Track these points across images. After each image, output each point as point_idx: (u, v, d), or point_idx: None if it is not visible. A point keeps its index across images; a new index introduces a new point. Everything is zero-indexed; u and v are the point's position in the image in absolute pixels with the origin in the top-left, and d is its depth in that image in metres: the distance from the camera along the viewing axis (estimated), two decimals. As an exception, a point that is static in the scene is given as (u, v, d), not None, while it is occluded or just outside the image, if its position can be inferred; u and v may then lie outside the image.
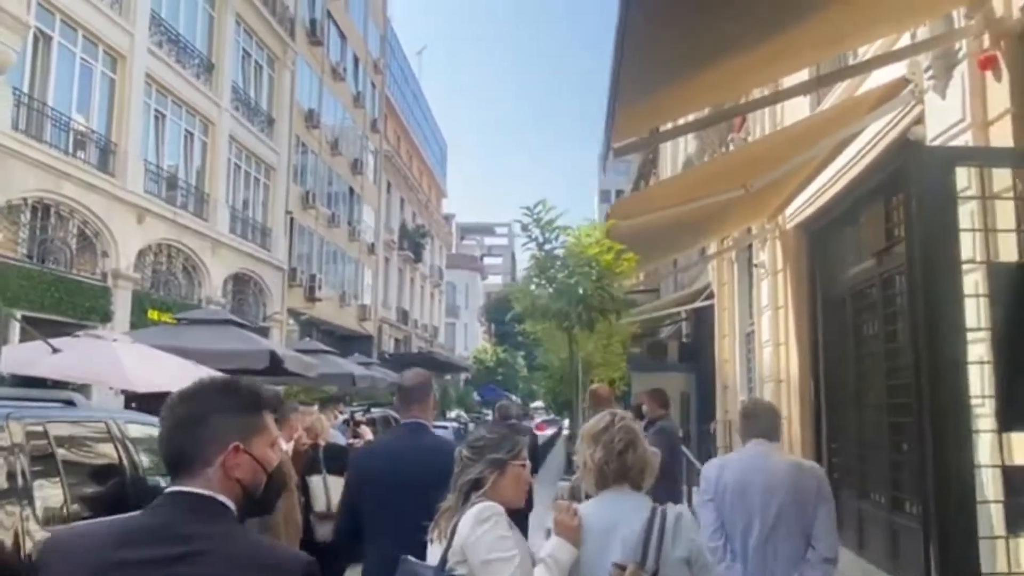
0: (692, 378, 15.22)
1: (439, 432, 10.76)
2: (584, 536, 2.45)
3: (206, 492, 1.50)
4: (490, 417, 17.41)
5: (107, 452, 4.23)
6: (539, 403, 44.04)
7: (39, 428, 3.69)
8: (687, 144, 15.71)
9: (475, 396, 40.27)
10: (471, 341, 61.88)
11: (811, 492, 3.73)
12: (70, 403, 4.30)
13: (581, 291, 5.43)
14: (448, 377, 42.88)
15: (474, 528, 2.37)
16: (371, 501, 3.09)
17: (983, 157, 3.73)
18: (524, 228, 6.32)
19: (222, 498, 1.52)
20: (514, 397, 43.33)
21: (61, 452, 3.80)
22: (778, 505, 3.67)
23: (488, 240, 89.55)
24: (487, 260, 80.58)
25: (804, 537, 3.70)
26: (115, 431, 4.33)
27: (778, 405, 9.13)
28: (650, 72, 3.91)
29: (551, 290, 5.45)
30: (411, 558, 2.46)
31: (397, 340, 38.53)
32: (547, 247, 5.85)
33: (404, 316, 39.91)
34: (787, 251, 8.79)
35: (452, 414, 31.99)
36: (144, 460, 4.45)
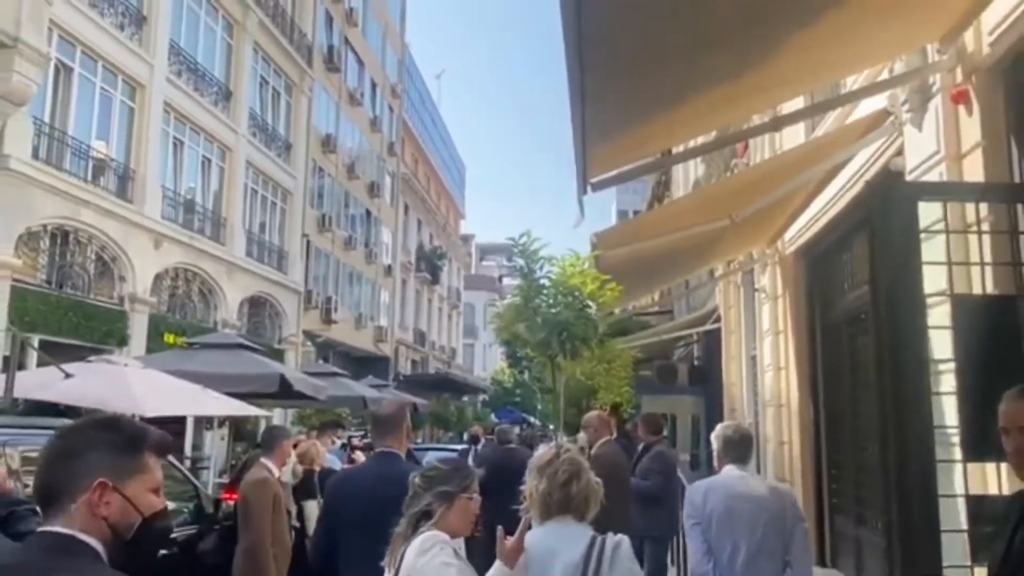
0: (702, 401, 15.20)
1: (451, 455, 10.83)
2: (527, 564, 2.55)
3: (66, 531, 1.48)
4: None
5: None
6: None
7: (36, 455, 3.85)
8: (697, 167, 15.81)
9: (493, 418, 40.24)
10: (490, 362, 61.86)
11: (788, 515, 3.94)
12: (68, 430, 4.45)
13: (563, 320, 5.55)
14: (466, 398, 42.94)
15: (418, 557, 2.49)
16: (344, 527, 3.21)
17: (946, 192, 3.81)
18: (509, 259, 6.50)
19: (84, 537, 1.49)
20: (533, 419, 43.26)
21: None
22: (763, 528, 3.84)
23: (508, 261, 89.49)
24: (507, 280, 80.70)
25: (782, 557, 3.86)
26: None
27: (779, 430, 9.17)
28: (622, 109, 4.04)
29: (539, 320, 5.56)
30: None
31: (414, 361, 38.70)
32: (531, 277, 6.00)
33: (421, 338, 40.10)
34: (786, 276, 8.84)
35: (468, 436, 31.95)
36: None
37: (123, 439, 1.59)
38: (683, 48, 3.78)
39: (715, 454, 4.27)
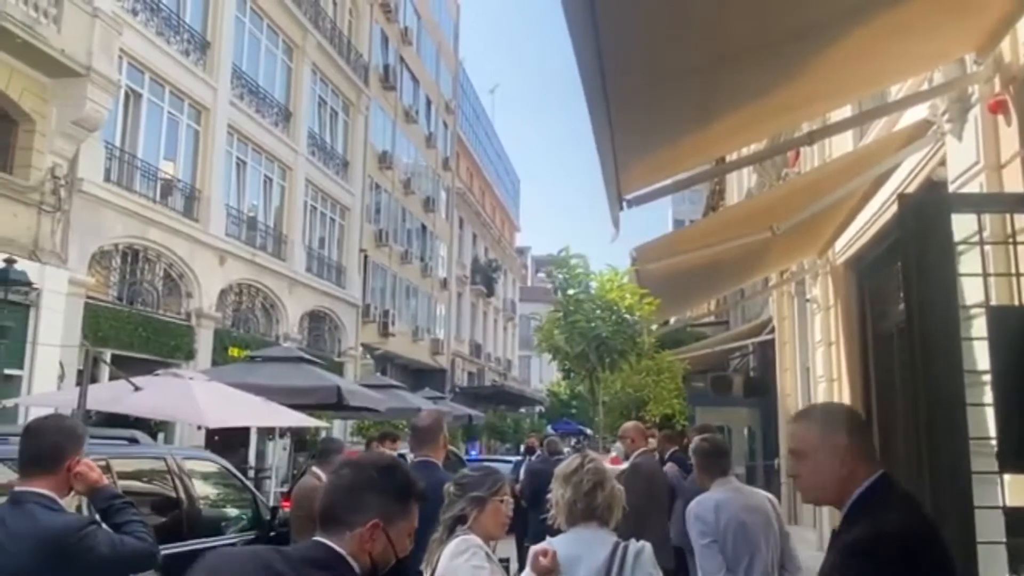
0: (757, 412, 15.04)
1: (504, 467, 10.91)
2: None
3: (339, 549, 1.71)
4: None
5: (166, 486, 4.65)
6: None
7: (103, 463, 4.11)
8: (750, 176, 15.71)
9: (549, 429, 40.27)
10: (546, 374, 61.83)
11: (781, 520, 4.07)
12: (134, 440, 4.74)
13: (601, 334, 5.61)
14: (523, 410, 43.01)
15: (452, 560, 2.63)
16: None
17: (978, 204, 3.80)
18: (548, 275, 6.67)
19: (351, 560, 1.71)
20: (589, 431, 43.13)
21: (123, 485, 4.21)
22: (774, 536, 3.89)
23: (548, 276, 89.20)
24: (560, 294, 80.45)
25: (779, 564, 4.00)
26: (174, 467, 4.74)
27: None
28: (657, 125, 4.14)
29: (576, 334, 5.64)
30: None
31: (471, 373, 39.00)
32: (570, 292, 6.09)
33: (477, 350, 40.40)
34: (837, 287, 8.77)
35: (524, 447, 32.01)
36: (200, 493, 4.84)
37: (399, 487, 1.80)
38: (721, 63, 3.86)
39: (701, 468, 4.26)
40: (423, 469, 3.50)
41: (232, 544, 5.48)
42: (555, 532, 2.89)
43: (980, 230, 3.62)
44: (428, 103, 33.73)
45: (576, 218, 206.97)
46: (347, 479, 1.78)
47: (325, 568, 1.68)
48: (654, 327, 11.10)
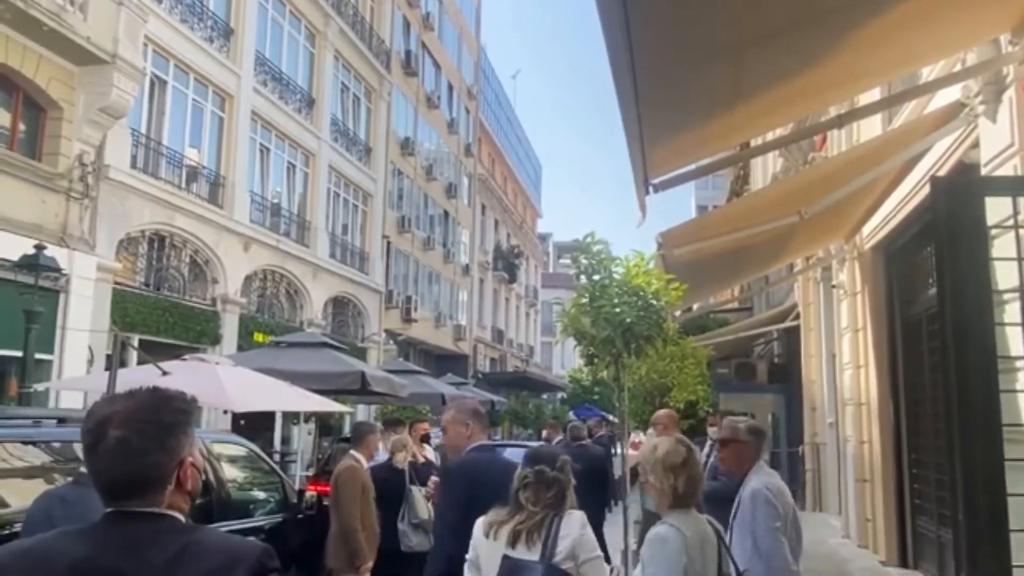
0: (782, 399, 14.95)
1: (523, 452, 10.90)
2: (687, 549, 2.77)
3: (158, 510, 1.56)
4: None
5: (196, 468, 4.71)
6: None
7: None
8: (775, 161, 15.54)
9: (571, 415, 40.29)
10: (568, 361, 61.84)
11: None
12: (165, 424, 4.79)
13: (627, 320, 5.59)
14: (545, 396, 43.04)
15: (582, 531, 2.85)
16: (475, 508, 3.14)
17: (1013, 186, 3.73)
18: (574, 260, 6.66)
19: (174, 514, 1.57)
20: (611, 417, 43.08)
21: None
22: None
23: (573, 262, 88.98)
24: (583, 279, 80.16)
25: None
26: (203, 450, 4.79)
27: (859, 429, 8.99)
28: (683, 109, 4.10)
29: (602, 319, 5.61)
30: (511, 554, 2.78)
31: (493, 359, 39.08)
32: (595, 277, 6.07)
33: (499, 336, 40.46)
34: (865, 272, 8.66)
35: (545, 433, 32.03)
36: (229, 476, 4.90)
37: (183, 419, 1.67)
38: (749, 44, 3.81)
39: (756, 450, 4.19)
40: (484, 452, 3.56)
41: (260, 527, 5.58)
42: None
43: (1015, 213, 3.56)
44: (450, 89, 33.67)
45: (597, 205, 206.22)
46: (135, 443, 1.50)
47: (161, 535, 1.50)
48: (677, 313, 11.02)
